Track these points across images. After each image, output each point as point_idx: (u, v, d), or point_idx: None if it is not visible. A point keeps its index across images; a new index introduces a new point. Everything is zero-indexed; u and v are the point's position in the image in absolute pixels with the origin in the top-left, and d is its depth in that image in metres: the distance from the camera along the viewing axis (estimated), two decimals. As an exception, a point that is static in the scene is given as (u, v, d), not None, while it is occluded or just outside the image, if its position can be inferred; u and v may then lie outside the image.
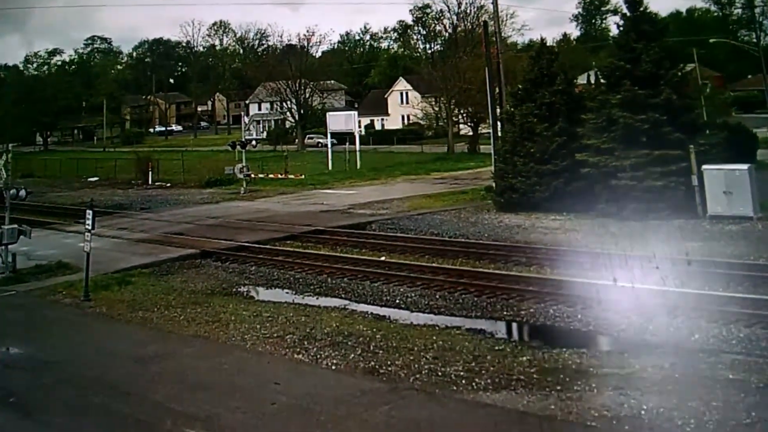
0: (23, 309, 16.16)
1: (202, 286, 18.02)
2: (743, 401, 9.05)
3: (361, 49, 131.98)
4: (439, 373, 10.69)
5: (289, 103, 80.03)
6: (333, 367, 11.26)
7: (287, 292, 17.67)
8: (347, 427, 9.13)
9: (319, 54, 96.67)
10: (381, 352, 11.83)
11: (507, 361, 11.21)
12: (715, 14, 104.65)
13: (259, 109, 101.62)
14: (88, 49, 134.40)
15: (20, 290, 17.75)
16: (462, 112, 63.42)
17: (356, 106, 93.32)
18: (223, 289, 17.92)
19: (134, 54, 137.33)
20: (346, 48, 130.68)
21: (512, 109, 28.64)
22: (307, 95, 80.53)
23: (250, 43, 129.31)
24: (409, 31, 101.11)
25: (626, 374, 10.30)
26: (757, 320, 12.66)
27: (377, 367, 11.11)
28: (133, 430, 9.43)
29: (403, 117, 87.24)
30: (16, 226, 19.15)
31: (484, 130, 56.59)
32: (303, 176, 45.34)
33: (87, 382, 10.94)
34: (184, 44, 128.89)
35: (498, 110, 31.33)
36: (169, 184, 46.47)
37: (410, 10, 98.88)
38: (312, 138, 77.53)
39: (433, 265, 18.85)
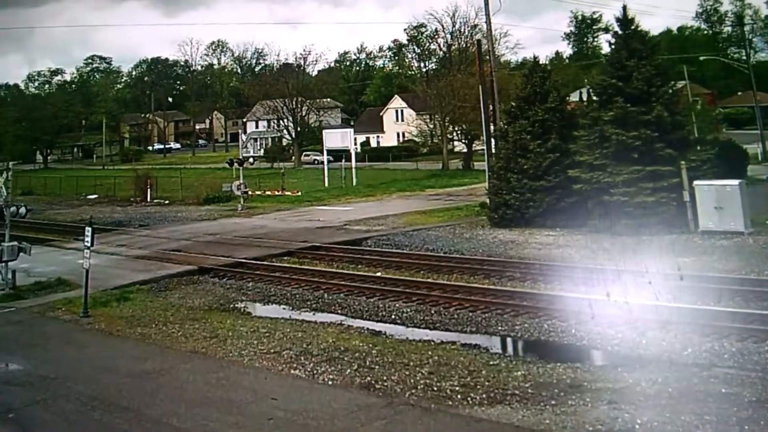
0: (23, 325, 16.22)
1: (199, 303, 18.12)
2: (736, 415, 9.10)
3: (357, 68, 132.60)
4: (435, 388, 10.77)
5: (285, 120, 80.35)
6: (329, 383, 11.34)
7: (284, 308, 17.76)
8: (344, 441, 9.20)
9: (315, 72, 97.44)
10: (377, 367, 11.91)
11: (502, 376, 11.29)
12: (706, 32, 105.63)
13: (257, 126, 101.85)
14: (88, 68, 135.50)
15: (20, 307, 17.82)
16: (456, 129, 63.64)
17: (352, 123, 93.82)
18: (220, 305, 18.01)
19: (133, 73, 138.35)
20: (342, 66, 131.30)
21: (506, 126, 28.81)
22: (304, 113, 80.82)
23: (248, 62, 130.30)
24: (404, 49, 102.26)
25: (620, 388, 10.38)
26: (750, 334, 12.76)
27: (373, 382, 11.19)
28: (132, 446, 9.50)
29: (398, 134, 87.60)
30: (16, 243, 19.25)
31: (478, 147, 56.75)
32: (299, 193, 45.54)
33: (86, 398, 11.00)
34: (182, 63, 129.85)
35: (492, 127, 31.51)
36: (167, 202, 46.55)
37: (405, 30, 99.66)
38: (308, 155, 77.67)
39: (429, 280, 18.97)
